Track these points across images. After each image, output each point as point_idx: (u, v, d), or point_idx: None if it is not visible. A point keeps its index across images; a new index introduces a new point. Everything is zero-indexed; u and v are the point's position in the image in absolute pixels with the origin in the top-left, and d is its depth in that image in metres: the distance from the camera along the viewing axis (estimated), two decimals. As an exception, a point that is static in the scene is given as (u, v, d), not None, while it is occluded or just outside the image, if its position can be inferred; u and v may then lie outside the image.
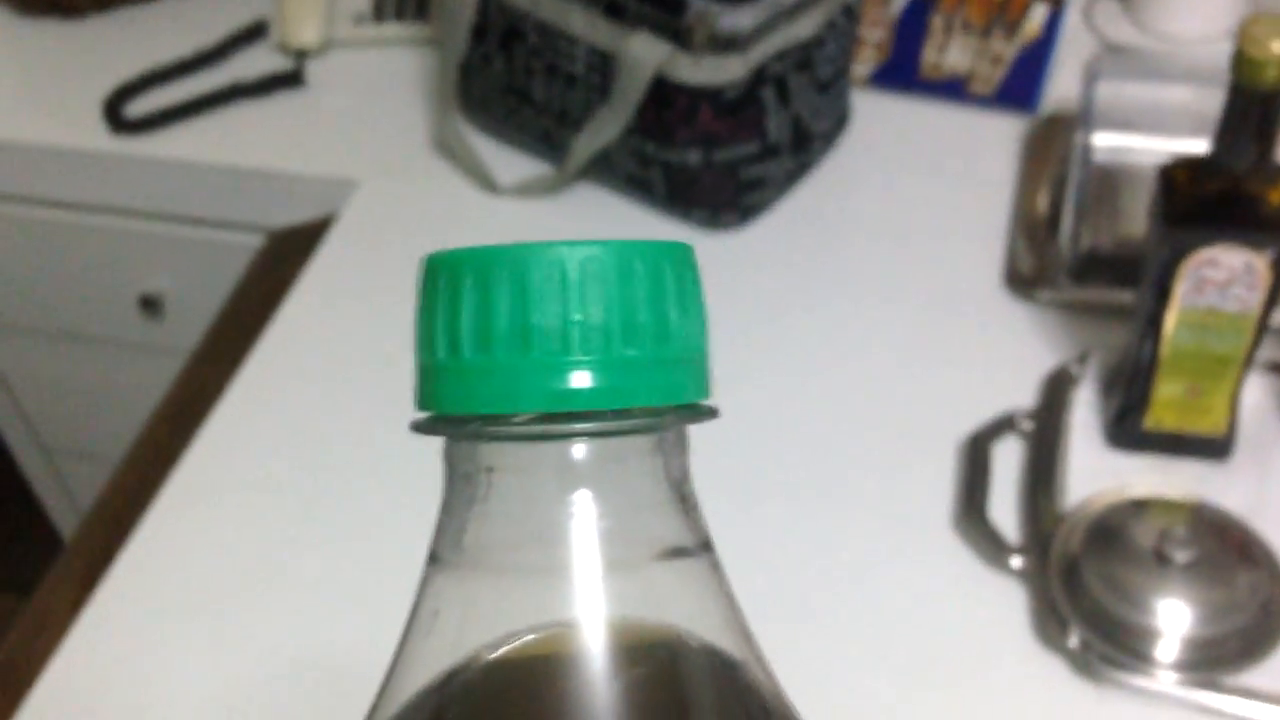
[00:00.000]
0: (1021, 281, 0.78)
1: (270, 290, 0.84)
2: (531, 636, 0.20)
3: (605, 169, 0.85)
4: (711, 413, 0.21)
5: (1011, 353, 0.74)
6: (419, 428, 0.21)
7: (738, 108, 0.79)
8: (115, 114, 0.95)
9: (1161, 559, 0.60)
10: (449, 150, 0.89)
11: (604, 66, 0.80)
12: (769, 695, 0.22)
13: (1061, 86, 0.92)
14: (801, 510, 0.68)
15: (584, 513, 0.20)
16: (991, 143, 0.89)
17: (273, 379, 0.77)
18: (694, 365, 0.21)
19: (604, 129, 0.81)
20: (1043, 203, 0.83)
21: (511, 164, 0.89)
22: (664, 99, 0.79)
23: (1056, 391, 0.71)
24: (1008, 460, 0.68)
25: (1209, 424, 0.66)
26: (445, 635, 0.21)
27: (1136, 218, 0.78)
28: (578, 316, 0.19)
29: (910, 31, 0.97)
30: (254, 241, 0.94)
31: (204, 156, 0.94)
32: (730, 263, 0.81)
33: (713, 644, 0.21)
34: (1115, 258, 0.78)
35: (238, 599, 0.65)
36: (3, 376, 1.18)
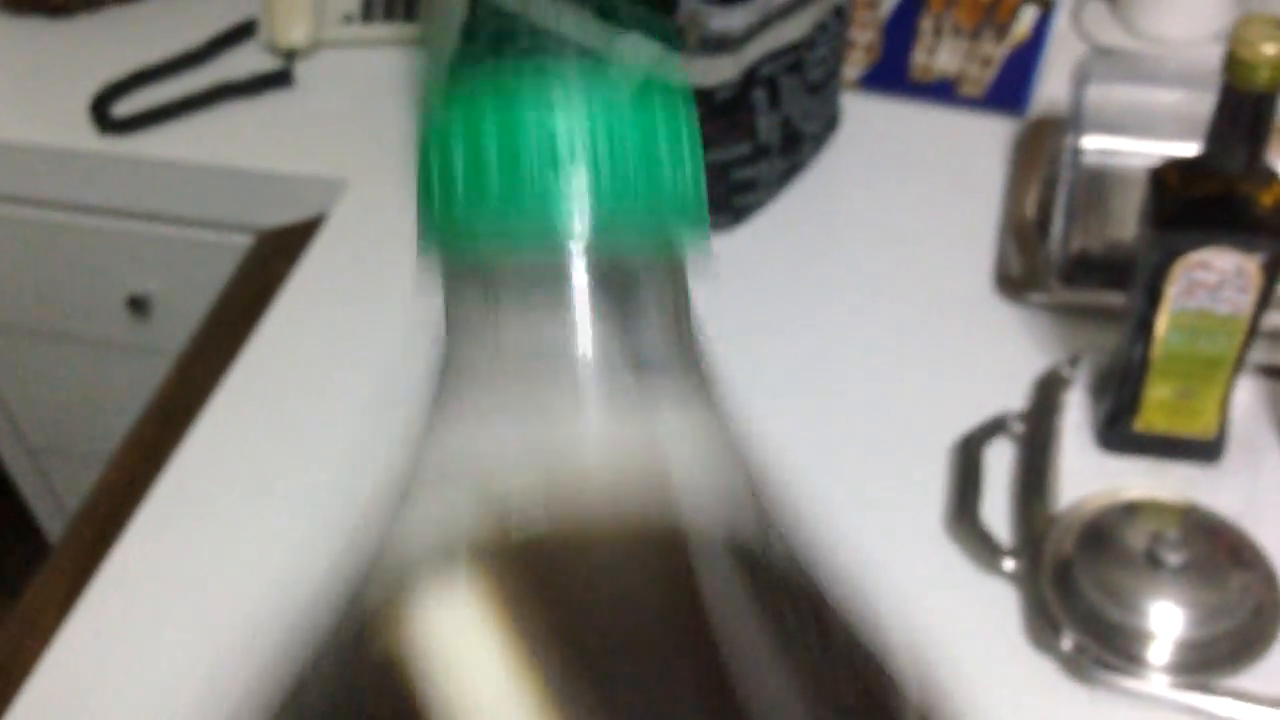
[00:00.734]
0: (1012, 284, 0.78)
1: (259, 291, 0.83)
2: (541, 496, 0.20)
3: (596, 170, 0.85)
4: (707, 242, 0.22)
5: (1002, 355, 0.74)
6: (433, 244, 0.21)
7: (729, 109, 0.79)
8: (103, 113, 0.95)
9: (1153, 561, 0.60)
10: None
11: (595, 67, 0.80)
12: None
13: (1051, 89, 0.92)
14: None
15: (590, 336, 0.21)
16: (981, 145, 0.89)
17: (262, 380, 0.76)
18: (693, 196, 0.21)
19: (595, 130, 0.80)
20: (1032, 205, 0.83)
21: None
22: (655, 100, 0.78)
23: (1048, 394, 0.71)
24: (999, 463, 0.68)
25: (1200, 426, 0.66)
26: (452, 487, 0.21)
27: (1126, 220, 0.78)
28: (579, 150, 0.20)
29: (899, 33, 0.97)
30: (242, 242, 0.94)
31: (192, 156, 0.93)
32: (721, 264, 0.81)
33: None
34: (1106, 260, 0.78)
35: (226, 600, 0.65)
36: (-12, 377, 1.17)
